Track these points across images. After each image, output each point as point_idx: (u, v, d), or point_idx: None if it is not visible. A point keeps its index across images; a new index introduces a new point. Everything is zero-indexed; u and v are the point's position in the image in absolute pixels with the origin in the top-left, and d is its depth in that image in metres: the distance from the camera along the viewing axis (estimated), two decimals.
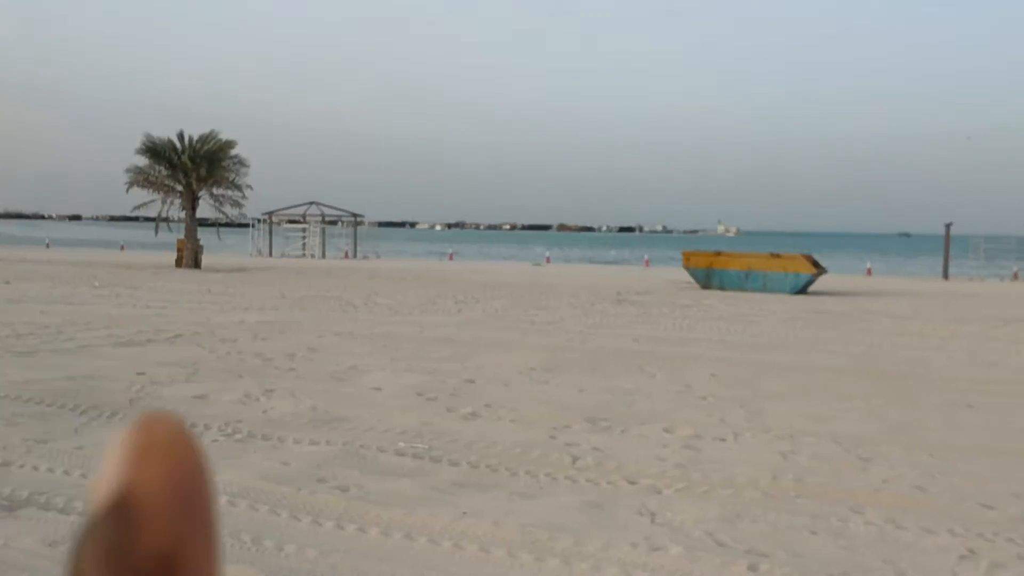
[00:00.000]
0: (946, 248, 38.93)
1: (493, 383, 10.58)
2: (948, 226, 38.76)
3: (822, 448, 7.78)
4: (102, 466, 0.32)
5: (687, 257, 28.52)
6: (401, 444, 7.60)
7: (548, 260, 51.14)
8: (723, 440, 8.04)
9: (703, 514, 5.97)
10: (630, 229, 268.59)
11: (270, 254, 50.09)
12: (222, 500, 5.85)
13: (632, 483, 6.67)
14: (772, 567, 5.04)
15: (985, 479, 6.97)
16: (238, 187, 35.54)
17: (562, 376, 11.21)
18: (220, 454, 7.02)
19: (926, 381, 11.52)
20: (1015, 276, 39.15)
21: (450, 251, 61.43)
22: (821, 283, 27.99)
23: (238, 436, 7.78)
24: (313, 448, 7.47)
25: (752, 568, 5.03)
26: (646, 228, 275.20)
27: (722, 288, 26.91)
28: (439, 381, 10.61)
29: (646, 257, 53.59)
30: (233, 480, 6.33)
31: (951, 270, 39.11)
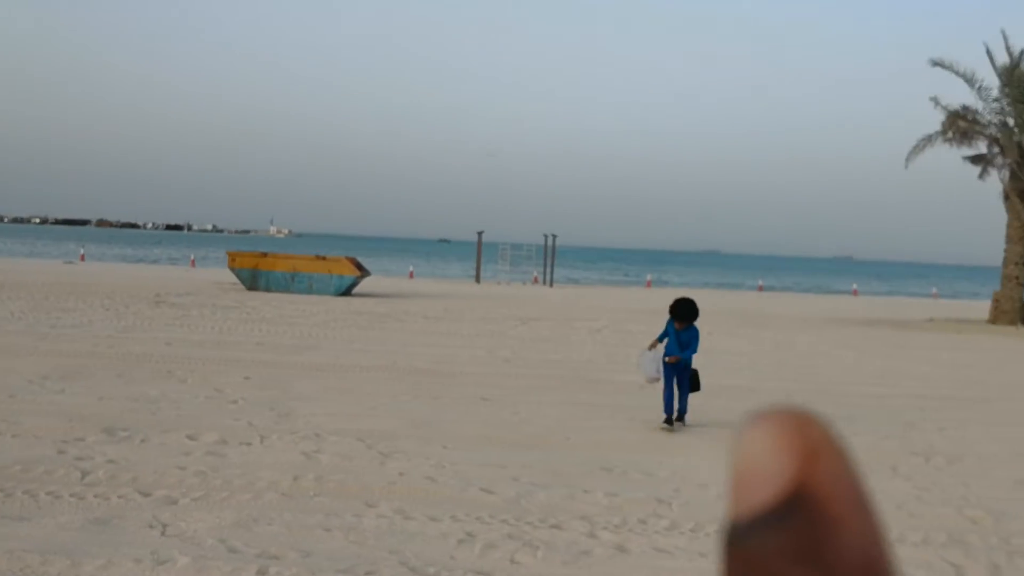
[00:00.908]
0: (478, 254, 42.22)
1: None
2: (480, 234, 42.11)
3: (345, 446, 8.01)
4: (745, 459, 0.29)
5: (232, 258, 27.93)
6: None
7: (83, 258, 47.23)
8: (249, 444, 7.96)
9: (219, 521, 5.85)
10: (178, 227, 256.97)
11: None
12: None
13: (146, 495, 6.35)
14: (281, 569, 5.07)
15: (489, 466, 7.62)
16: None
17: (81, 384, 10.39)
18: None
19: (450, 377, 12.36)
20: (535, 280, 43.52)
21: None
22: (366, 285, 28.94)
23: None
24: None
25: (262, 572, 5.02)
26: (195, 227, 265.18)
27: (268, 289, 26.74)
28: None
29: (192, 257, 51.63)
30: None
31: (483, 274, 42.49)
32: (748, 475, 0.30)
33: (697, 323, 9.83)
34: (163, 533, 5.58)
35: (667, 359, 9.64)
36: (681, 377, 9.71)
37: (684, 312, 9.67)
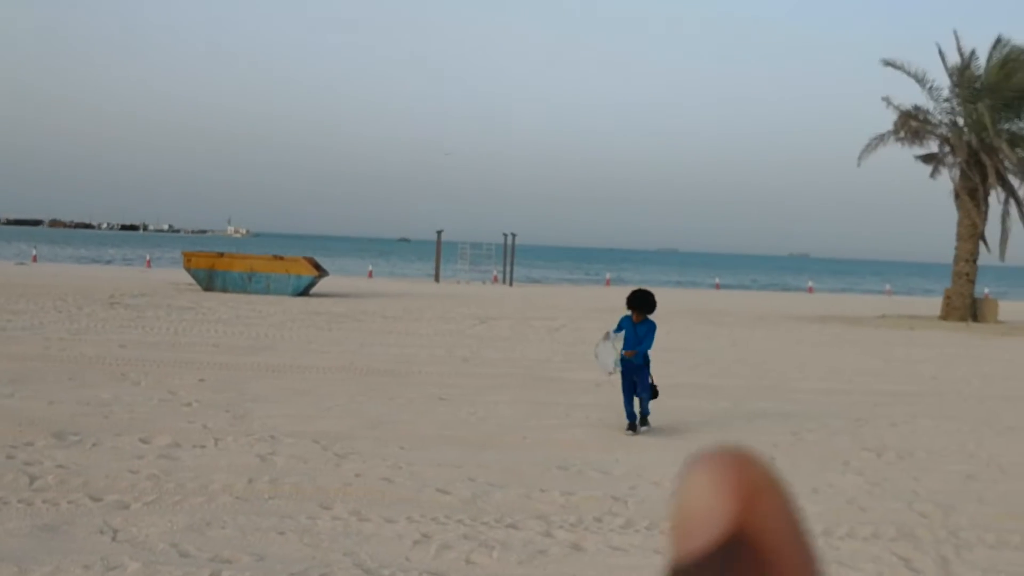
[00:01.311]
0: (437, 253, 42.14)
1: None
2: (439, 233, 42.01)
3: (301, 448, 7.96)
4: (692, 502, 0.29)
5: (188, 258, 27.62)
6: None
7: (35, 259, 46.42)
8: (203, 447, 7.88)
9: (171, 526, 5.78)
10: (134, 227, 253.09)
11: None
12: None
13: (97, 500, 6.26)
14: (234, 573, 5.03)
15: (446, 466, 7.62)
16: None
17: (31, 388, 10.21)
18: None
19: (407, 377, 12.33)
20: (495, 279, 43.53)
21: None
22: (324, 285, 28.76)
23: None
24: None
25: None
26: (151, 227, 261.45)
27: (225, 290, 26.49)
28: None
29: (148, 257, 50.98)
30: None
31: (443, 273, 42.42)
32: (689, 518, 0.30)
33: (656, 319, 9.60)
34: (113, 538, 5.51)
35: (624, 353, 9.35)
36: (639, 376, 9.43)
37: (640, 303, 9.38)
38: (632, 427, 9.36)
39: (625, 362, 9.37)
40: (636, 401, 9.49)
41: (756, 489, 0.30)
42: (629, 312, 9.49)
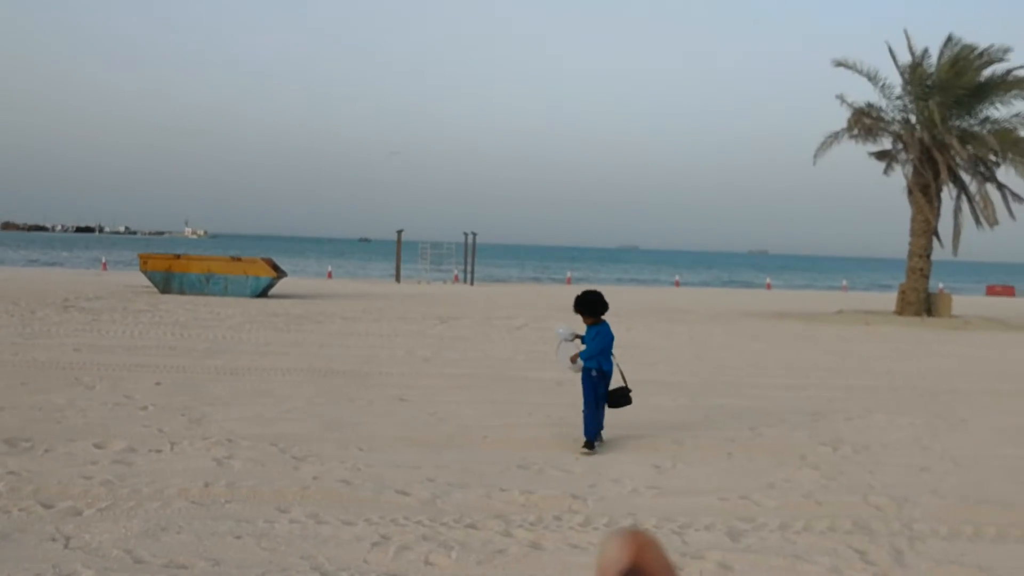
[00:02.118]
0: (398, 253, 41.99)
1: None
2: (400, 232, 41.85)
3: (259, 451, 7.89)
4: (604, 556, 0.48)
5: (144, 260, 27.25)
6: None
7: None
8: (159, 451, 7.78)
9: (125, 532, 5.70)
10: (89, 229, 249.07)
11: None
12: None
13: (49, 507, 6.15)
14: None
15: (405, 467, 7.59)
16: None
17: None
18: None
19: (367, 378, 12.26)
20: (456, 278, 43.47)
21: None
22: (283, 286, 28.55)
23: None
24: None
25: None
26: (107, 229, 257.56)
27: (182, 292, 26.20)
28: None
29: (103, 260, 50.25)
30: None
31: (403, 273, 42.27)
32: (605, 563, 0.48)
33: (615, 317, 9.02)
34: (66, 546, 5.42)
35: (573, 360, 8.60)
36: (597, 387, 8.52)
37: (586, 305, 8.51)
38: (589, 444, 8.42)
39: (585, 374, 8.59)
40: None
41: (644, 544, 0.49)
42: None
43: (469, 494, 6.87)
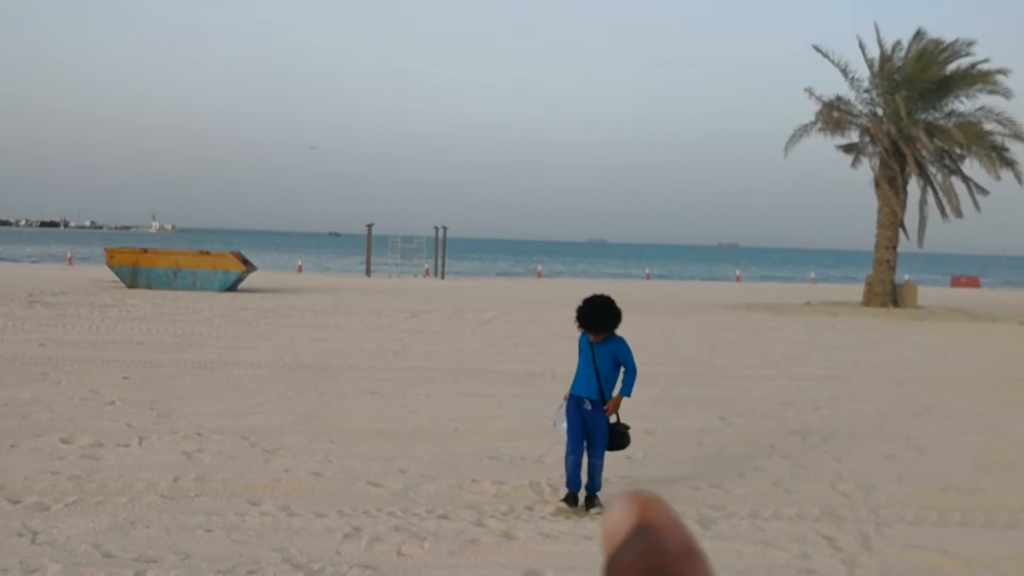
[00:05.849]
0: (368, 247, 41.79)
1: None
2: (370, 227, 41.65)
3: (229, 445, 7.84)
4: (612, 518, 0.47)
5: (111, 255, 26.92)
6: None
7: None
8: (127, 446, 7.71)
9: (93, 526, 5.65)
10: (54, 224, 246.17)
11: None
12: None
13: (16, 502, 6.08)
14: (159, 572, 4.93)
15: (377, 459, 7.58)
16: None
17: None
18: None
19: (338, 371, 12.21)
20: (427, 272, 43.36)
21: None
22: (252, 280, 28.34)
23: None
24: None
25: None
26: (72, 223, 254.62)
27: (150, 287, 25.93)
28: None
29: (69, 254, 49.66)
30: None
31: (373, 267, 42.10)
32: (611, 527, 0.48)
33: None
34: (33, 541, 5.36)
35: (578, 398, 6.55)
36: (594, 422, 6.48)
37: (592, 319, 6.52)
38: (572, 498, 6.44)
39: (574, 408, 6.57)
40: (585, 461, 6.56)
41: (648, 502, 0.49)
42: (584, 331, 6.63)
43: (441, 485, 6.87)
